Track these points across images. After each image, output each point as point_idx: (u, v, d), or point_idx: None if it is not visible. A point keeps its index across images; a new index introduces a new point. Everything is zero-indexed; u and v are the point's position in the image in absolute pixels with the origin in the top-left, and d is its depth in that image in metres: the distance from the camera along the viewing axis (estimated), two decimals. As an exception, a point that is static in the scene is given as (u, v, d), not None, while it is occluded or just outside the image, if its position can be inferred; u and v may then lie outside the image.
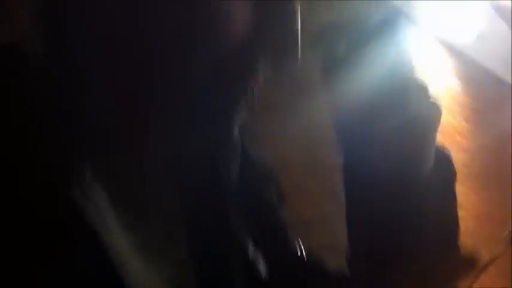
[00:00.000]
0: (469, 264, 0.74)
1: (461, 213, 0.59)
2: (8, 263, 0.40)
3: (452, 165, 0.56)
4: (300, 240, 0.59)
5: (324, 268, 0.56)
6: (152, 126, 0.45)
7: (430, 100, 0.51)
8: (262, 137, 0.63)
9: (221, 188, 0.52)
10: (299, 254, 0.58)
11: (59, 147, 0.41)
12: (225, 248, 0.53)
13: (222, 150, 0.49)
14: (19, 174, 0.39)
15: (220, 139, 0.47)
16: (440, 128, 0.53)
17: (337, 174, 0.55)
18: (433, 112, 0.51)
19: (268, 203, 0.63)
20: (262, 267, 0.57)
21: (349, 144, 0.53)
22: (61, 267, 0.41)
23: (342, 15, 0.50)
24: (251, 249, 0.56)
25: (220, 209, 0.53)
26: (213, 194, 0.52)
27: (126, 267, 0.44)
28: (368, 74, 0.49)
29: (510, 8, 1.54)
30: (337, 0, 0.48)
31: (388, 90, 0.49)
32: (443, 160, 0.55)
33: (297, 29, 0.43)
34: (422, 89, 0.51)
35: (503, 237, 0.87)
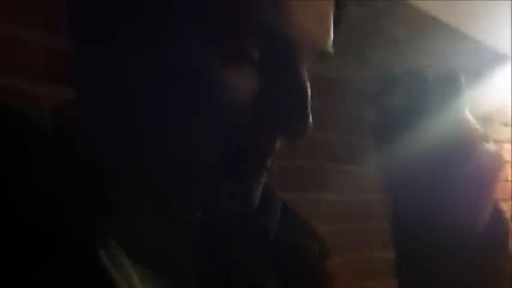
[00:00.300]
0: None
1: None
2: None
3: (508, 221, 0.54)
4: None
5: None
6: (178, 192, 0.47)
7: (492, 152, 0.49)
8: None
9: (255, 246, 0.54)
10: None
11: (87, 213, 0.43)
12: None
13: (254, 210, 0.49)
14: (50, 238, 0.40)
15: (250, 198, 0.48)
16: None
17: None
18: (495, 163, 0.50)
19: (311, 257, 0.62)
20: None
21: (406, 203, 0.52)
22: None
23: (396, 70, 0.52)
24: None
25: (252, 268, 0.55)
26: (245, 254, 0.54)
27: None
28: (427, 131, 0.50)
29: None
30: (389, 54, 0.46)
31: (449, 144, 0.49)
32: (498, 215, 0.53)
33: (308, 99, 0.44)
34: (485, 139, 0.50)
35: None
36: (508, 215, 0.55)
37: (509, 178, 3.39)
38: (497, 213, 0.52)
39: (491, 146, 0.50)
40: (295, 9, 0.42)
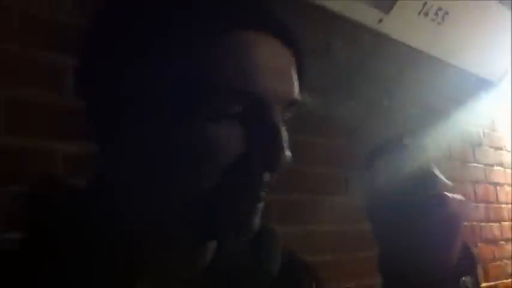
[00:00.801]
0: None
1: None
2: None
3: (474, 255, 0.63)
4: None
5: None
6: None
7: (460, 201, 0.58)
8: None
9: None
10: None
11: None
12: None
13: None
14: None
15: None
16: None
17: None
18: (464, 210, 0.58)
19: None
20: None
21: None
22: None
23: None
24: None
25: None
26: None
27: None
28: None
29: None
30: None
31: (425, 196, 0.57)
32: (466, 251, 0.61)
33: (281, 138, 0.53)
34: (452, 191, 0.58)
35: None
36: (473, 251, 0.63)
37: (504, 200, 3.47)
38: (466, 249, 0.60)
39: (459, 196, 0.58)
40: (264, 75, 0.51)
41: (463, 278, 0.61)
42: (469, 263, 0.62)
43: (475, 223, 3.15)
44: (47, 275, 0.52)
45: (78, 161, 1.33)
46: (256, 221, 0.55)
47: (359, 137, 2.39)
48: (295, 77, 0.55)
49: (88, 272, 0.52)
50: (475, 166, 3.26)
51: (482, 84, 3.39)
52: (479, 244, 3.14)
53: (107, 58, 0.53)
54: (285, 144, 0.53)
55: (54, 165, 1.33)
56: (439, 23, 2.73)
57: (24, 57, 1.30)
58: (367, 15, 2.45)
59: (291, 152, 0.53)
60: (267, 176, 0.54)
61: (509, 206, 3.51)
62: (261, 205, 0.55)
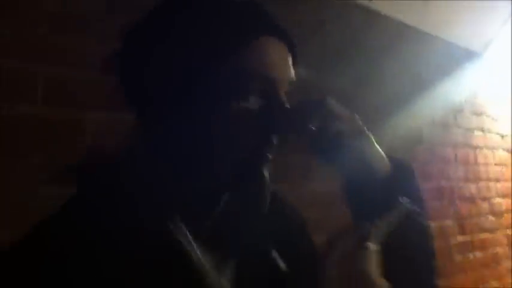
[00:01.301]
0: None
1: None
2: None
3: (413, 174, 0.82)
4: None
5: None
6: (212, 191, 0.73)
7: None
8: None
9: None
10: None
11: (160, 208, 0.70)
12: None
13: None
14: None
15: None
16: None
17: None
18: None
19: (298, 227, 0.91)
20: None
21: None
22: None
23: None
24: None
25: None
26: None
27: None
28: None
29: None
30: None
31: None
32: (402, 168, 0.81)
33: (287, 109, 0.72)
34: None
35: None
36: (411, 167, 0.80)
37: (482, 162, 3.74)
38: (401, 165, 0.80)
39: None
40: (274, 65, 0.71)
41: (402, 199, 0.74)
42: (406, 179, 0.79)
43: (454, 182, 3.43)
44: (92, 228, 0.65)
45: (105, 130, 1.59)
46: (266, 175, 0.73)
47: (350, 106, 2.63)
48: (291, 66, 0.75)
49: (126, 225, 0.66)
50: (456, 130, 3.53)
51: (467, 55, 3.62)
52: (457, 202, 3.43)
53: (169, 56, 0.69)
54: (290, 112, 0.72)
55: (83, 133, 1.59)
56: (425, 1, 2.93)
57: (54, 41, 1.55)
58: (359, -6, 2.66)
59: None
60: (275, 139, 0.72)
61: (487, 167, 3.80)
62: (269, 163, 0.72)
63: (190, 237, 0.70)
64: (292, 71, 0.75)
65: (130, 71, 0.72)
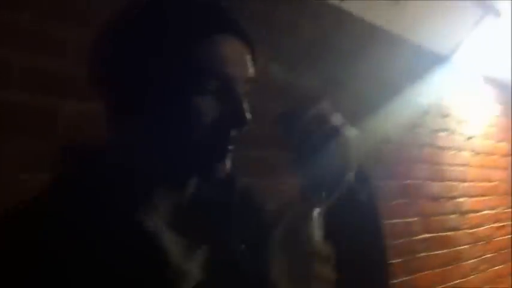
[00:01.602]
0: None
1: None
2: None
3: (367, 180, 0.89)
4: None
5: None
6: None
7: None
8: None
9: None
10: None
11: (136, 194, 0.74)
12: None
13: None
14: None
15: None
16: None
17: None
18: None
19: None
20: None
21: None
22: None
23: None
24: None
25: None
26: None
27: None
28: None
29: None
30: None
31: None
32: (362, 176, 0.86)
33: (241, 104, 0.76)
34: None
35: None
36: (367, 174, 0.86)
37: (447, 162, 3.84)
38: (360, 173, 0.83)
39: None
40: (230, 62, 0.73)
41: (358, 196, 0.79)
42: (362, 182, 0.84)
43: (420, 181, 3.53)
44: (74, 214, 0.68)
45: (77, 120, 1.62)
46: (227, 165, 0.77)
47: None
48: (250, 63, 0.77)
49: (108, 207, 0.70)
50: (422, 131, 3.63)
51: (435, 58, 3.71)
52: (422, 200, 3.53)
53: (132, 53, 0.73)
54: (245, 108, 0.75)
55: (56, 122, 1.61)
56: (396, 2, 3.00)
57: (35, 29, 1.56)
58: (331, -5, 2.72)
59: (251, 114, 0.77)
60: (233, 133, 0.75)
61: (452, 167, 3.91)
62: (229, 154, 0.76)
63: (161, 225, 0.74)
64: (251, 69, 0.77)
65: (104, 69, 0.76)
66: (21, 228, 0.67)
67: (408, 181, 3.42)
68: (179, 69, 0.72)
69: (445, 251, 3.70)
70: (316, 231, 0.72)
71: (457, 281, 3.83)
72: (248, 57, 0.78)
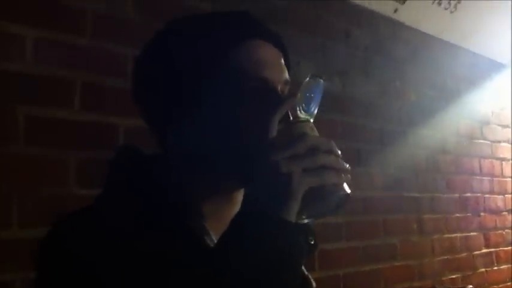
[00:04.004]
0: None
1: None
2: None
3: None
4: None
5: None
6: None
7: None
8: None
9: None
10: None
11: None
12: None
13: None
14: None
15: None
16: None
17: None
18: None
19: None
20: None
21: None
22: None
23: None
24: None
25: None
26: None
27: None
28: None
29: None
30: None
31: None
32: None
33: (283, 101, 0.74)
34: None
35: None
36: None
37: (509, 174, 3.71)
38: None
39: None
40: (266, 65, 0.75)
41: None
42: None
43: (479, 194, 3.42)
44: (125, 223, 0.68)
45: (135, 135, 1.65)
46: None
47: (373, 115, 2.68)
48: (284, 66, 0.79)
49: (157, 214, 0.71)
50: (482, 142, 3.52)
51: (494, 66, 3.61)
52: (482, 214, 3.42)
53: (174, 67, 0.77)
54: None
55: (115, 137, 1.66)
56: (451, 12, 2.94)
57: (94, 48, 1.62)
58: (384, 5, 2.70)
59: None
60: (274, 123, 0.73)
61: (512, 179, 3.77)
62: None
63: (209, 233, 0.75)
64: (286, 72, 0.79)
65: (145, 95, 0.80)
66: (88, 224, 0.69)
67: (468, 194, 3.32)
68: (215, 76, 0.74)
69: (505, 266, 3.56)
70: None
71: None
72: (282, 61, 0.79)
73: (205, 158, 0.77)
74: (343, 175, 0.69)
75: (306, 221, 0.70)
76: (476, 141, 3.48)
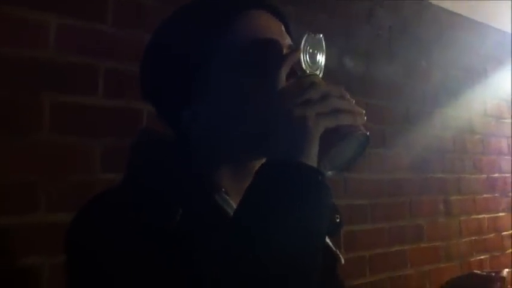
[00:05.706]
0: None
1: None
2: None
3: None
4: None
5: None
6: None
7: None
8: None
9: None
10: None
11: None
12: None
13: None
14: None
15: None
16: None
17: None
18: None
19: None
20: None
21: None
22: None
23: None
24: None
25: None
26: None
27: None
28: None
29: None
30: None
31: None
32: None
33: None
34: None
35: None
36: None
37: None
38: None
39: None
40: (265, 26, 0.76)
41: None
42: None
43: (507, 175, 3.37)
44: (147, 203, 0.70)
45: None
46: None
47: (398, 96, 2.65)
48: (285, 33, 0.80)
49: (180, 192, 0.72)
50: (510, 122, 3.46)
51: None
52: (510, 194, 3.37)
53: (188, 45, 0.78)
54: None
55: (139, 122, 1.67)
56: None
57: (116, 34, 1.64)
58: (408, -16, 2.65)
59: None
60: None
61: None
62: None
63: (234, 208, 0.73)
64: (288, 38, 0.80)
65: (157, 80, 0.81)
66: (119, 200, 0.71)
67: (496, 174, 3.27)
68: (224, 44, 0.75)
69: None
70: None
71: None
72: (283, 29, 0.80)
73: (225, 129, 0.77)
74: (358, 117, 0.67)
75: (329, 173, 0.69)
76: (504, 120, 3.42)
